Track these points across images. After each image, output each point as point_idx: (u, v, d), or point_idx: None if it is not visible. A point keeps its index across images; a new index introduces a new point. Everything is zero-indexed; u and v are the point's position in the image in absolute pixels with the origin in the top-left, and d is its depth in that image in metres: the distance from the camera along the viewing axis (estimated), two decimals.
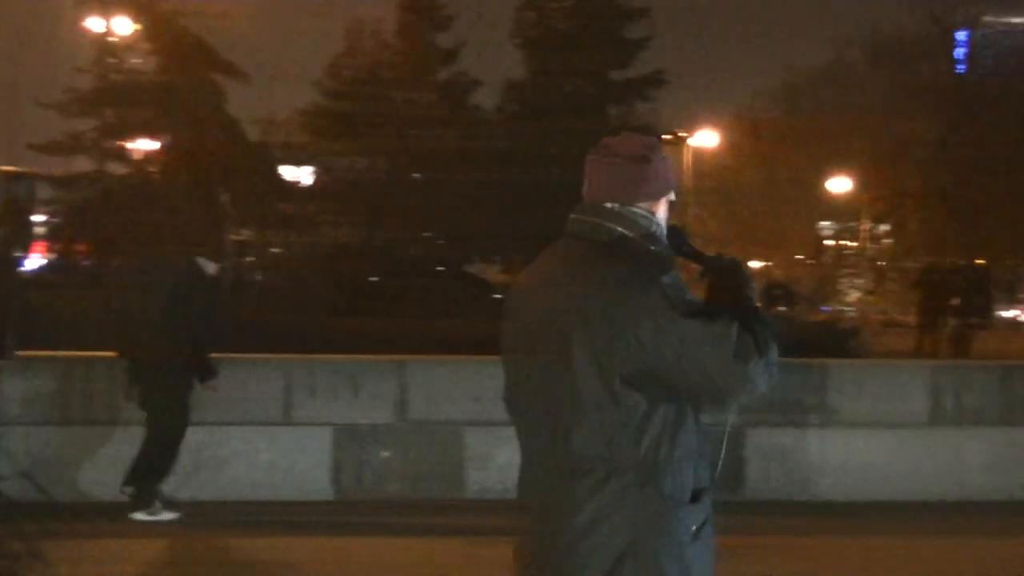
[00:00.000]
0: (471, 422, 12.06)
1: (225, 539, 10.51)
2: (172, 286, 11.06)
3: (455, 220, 29.76)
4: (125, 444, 11.37)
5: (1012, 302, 54.89)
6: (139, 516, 10.82)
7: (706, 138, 54.94)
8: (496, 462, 11.86)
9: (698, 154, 56.45)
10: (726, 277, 4.03)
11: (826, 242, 69.80)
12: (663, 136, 33.65)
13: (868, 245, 61.29)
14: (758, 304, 4.01)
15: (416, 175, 31.04)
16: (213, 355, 11.12)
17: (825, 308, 62.66)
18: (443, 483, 12.15)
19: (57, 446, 11.79)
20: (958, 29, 58.29)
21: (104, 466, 11.67)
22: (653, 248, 3.99)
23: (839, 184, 58.06)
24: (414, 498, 11.95)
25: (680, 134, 37.17)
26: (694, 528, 3.88)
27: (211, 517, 11.10)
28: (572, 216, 4.11)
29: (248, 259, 36.34)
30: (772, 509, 12.07)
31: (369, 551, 10.00)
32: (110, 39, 33.99)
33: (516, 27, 32.56)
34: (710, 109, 62.62)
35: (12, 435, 11.56)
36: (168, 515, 10.87)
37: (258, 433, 12.03)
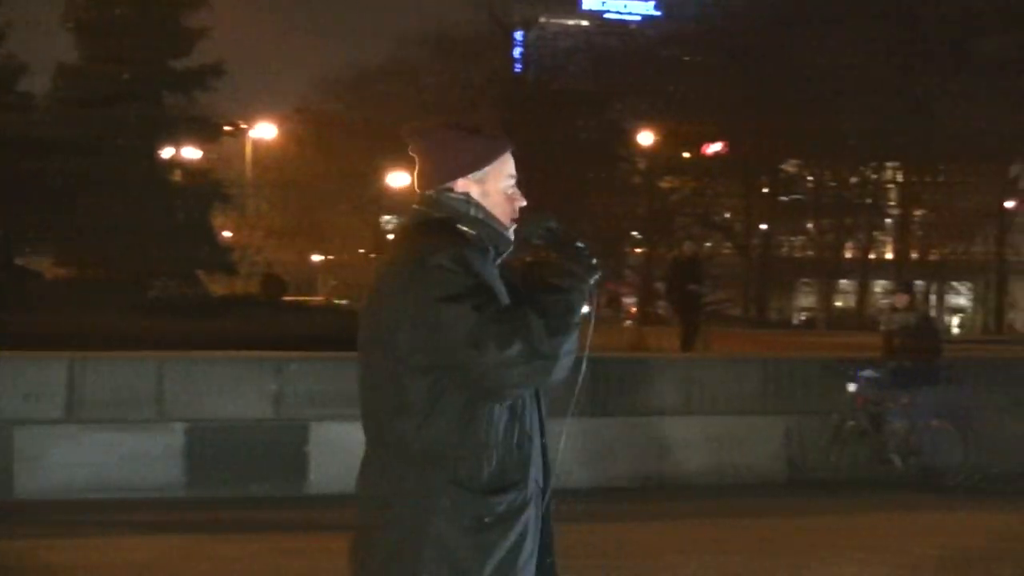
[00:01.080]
0: (21, 420, 11.61)
1: None
2: None
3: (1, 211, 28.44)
4: None
5: None
6: None
7: (266, 130, 54.62)
8: (48, 462, 11.53)
9: (259, 146, 56.09)
10: (565, 263, 3.86)
11: (390, 236, 70.53)
12: (224, 128, 33.25)
13: None
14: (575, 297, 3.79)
15: None
16: None
17: None
18: None
19: None
20: (516, 29, 60.02)
21: None
22: (469, 233, 3.88)
23: (400, 178, 58.71)
24: None
25: (241, 125, 36.75)
26: (485, 519, 3.75)
27: None
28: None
29: None
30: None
31: None
32: None
33: (68, 10, 31.42)
34: (272, 101, 62.43)
35: None
36: None
37: None
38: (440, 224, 3.91)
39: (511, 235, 3.99)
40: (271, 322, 19.56)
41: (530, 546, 3.86)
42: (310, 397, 12.55)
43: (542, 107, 51.92)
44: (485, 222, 3.95)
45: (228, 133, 34.66)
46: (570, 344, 3.72)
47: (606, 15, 73.83)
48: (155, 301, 25.61)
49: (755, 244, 51.05)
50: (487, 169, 3.99)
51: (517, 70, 58.09)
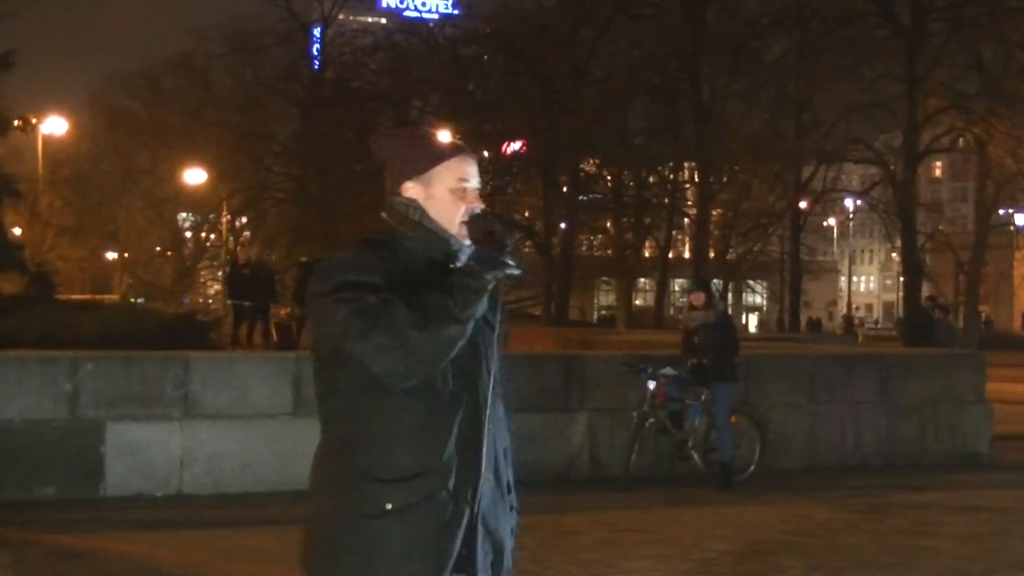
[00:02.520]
0: None
1: None
2: None
3: None
4: None
5: None
6: None
7: (58, 124, 53.34)
8: None
9: (50, 141, 54.76)
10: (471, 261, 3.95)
11: (187, 234, 69.60)
12: (14, 122, 32.37)
13: (229, 237, 61.49)
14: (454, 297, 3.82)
15: None
16: None
17: (185, 300, 62.63)
18: None
19: None
20: (315, 25, 59.65)
21: None
22: (409, 238, 4.00)
23: (196, 176, 57.88)
24: None
25: (32, 120, 35.77)
26: (389, 506, 3.80)
27: None
28: None
29: None
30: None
31: None
32: None
33: None
34: (65, 94, 61.11)
35: None
36: None
37: None
38: (382, 235, 4.03)
39: (455, 238, 4.05)
40: (63, 322, 19.03)
41: (435, 537, 3.87)
42: (106, 397, 12.30)
43: (340, 105, 51.66)
44: (421, 224, 4.03)
45: (17, 128, 33.76)
46: (441, 338, 3.78)
47: (404, 12, 73.82)
48: None
49: (555, 243, 51.39)
50: (432, 172, 4.06)
51: (315, 67, 57.70)
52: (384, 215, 4.08)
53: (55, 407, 12.13)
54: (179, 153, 57.19)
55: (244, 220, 63.03)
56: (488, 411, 4.00)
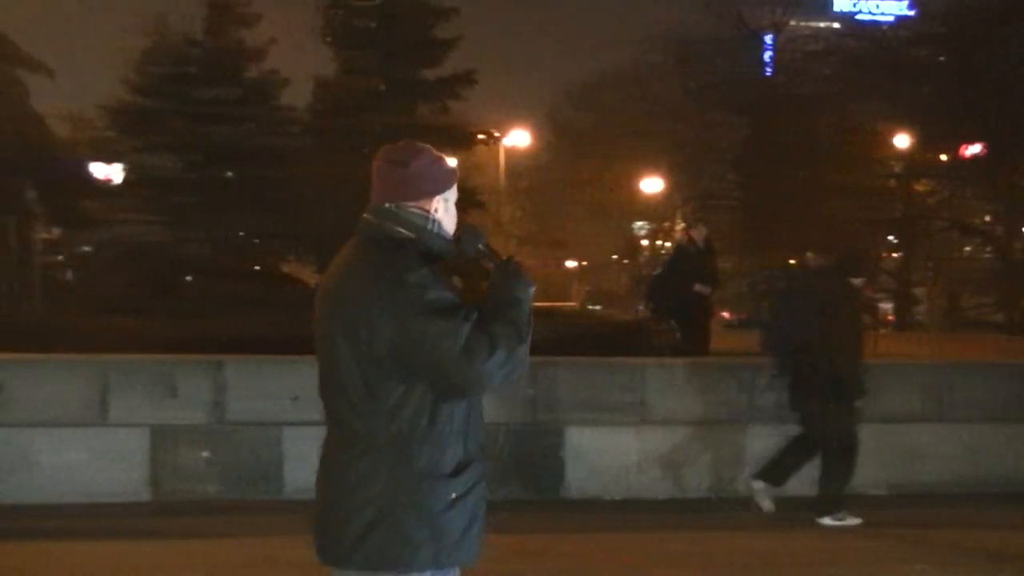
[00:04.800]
0: (289, 422, 12.00)
1: (35, 544, 10.28)
2: None
3: (268, 219, 29.52)
4: None
5: None
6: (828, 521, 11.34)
7: (519, 138, 55.32)
8: (313, 462, 11.85)
9: (511, 154, 56.79)
10: (502, 278, 4.48)
11: (643, 242, 70.52)
12: (477, 136, 33.85)
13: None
14: (525, 305, 4.44)
15: (228, 174, 30.72)
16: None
17: (639, 307, 63.40)
18: (261, 484, 12.08)
19: None
20: (765, 32, 59.38)
21: None
22: (421, 245, 4.45)
23: (652, 184, 58.79)
24: (231, 499, 11.85)
25: (495, 134, 37.30)
26: (452, 496, 4.39)
27: (23, 521, 10.89)
28: (362, 216, 4.58)
29: (58, 258, 35.74)
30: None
31: (185, 554, 9.89)
32: None
33: (326, 25, 32.42)
34: (523, 109, 63.16)
35: None
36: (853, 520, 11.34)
37: (73, 434, 11.82)
38: (402, 242, 4.45)
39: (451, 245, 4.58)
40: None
41: (483, 512, 4.56)
42: (563, 402, 12.74)
43: (786, 111, 51.22)
44: (439, 235, 4.52)
45: (480, 141, 35.22)
46: (527, 349, 4.40)
47: (858, 16, 72.54)
48: None
49: (1017, 248, 49.29)
50: (451, 190, 4.60)
51: (765, 74, 57.45)
52: (381, 221, 4.51)
53: (513, 412, 12.63)
54: (625, 163, 58.10)
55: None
56: None
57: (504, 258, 4.58)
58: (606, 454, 12.77)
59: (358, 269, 4.44)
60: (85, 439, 11.82)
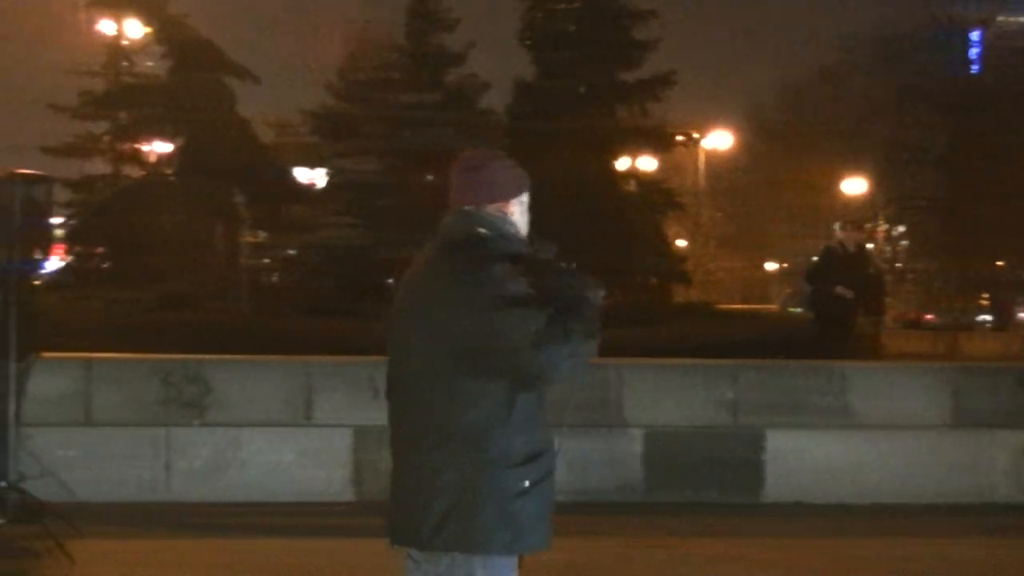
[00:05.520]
0: None
1: (246, 541, 10.54)
2: None
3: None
4: (146, 445, 11.61)
5: None
6: None
7: (719, 139, 54.99)
8: None
9: (710, 155, 56.47)
10: (572, 279, 4.69)
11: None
12: (676, 138, 33.72)
13: (884, 248, 60.96)
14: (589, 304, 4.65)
15: (428, 177, 31.06)
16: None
17: None
18: None
19: (81, 446, 11.88)
20: (972, 28, 58.10)
21: (127, 467, 11.81)
22: (501, 243, 4.70)
23: (854, 185, 57.88)
24: None
25: (694, 135, 37.12)
26: (527, 484, 4.57)
27: (231, 519, 11.16)
28: (442, 219, 4.88)
29: (264, 261, 36.55)
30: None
31: (387, 554, 10.00)
32: (122, 42, 34.15)
33: (525, 28, 32.58)
34: (721, 110, 62.59)
35: (36, 436, 11.63)
36: None
37: (278, 434, 12.08)
38: (482, 240, 4.69)
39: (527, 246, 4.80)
40: (721, 330, 19.64)
41: (553, 499, 4.72)
42: (764, 405, 12.67)
43: (994, 109, 50.00)
44: (515, 235, 4.79)
45: (680, 143, 35.10)
46: (594, 346, 4.63)
47: None
48: (607, 310, 26.11)
49: None
50: (523, 194, 4.91)
51: (972, 71, 56.22)
52: (465, 221, 4.77)
53: (717, 414, 12.61)
54: (827, 163, 57.29)
55: (901, 229, 62.26)
56: None
57: (566, 265, 4.76)
58: (808, 458, 12.64)
59: (438, 267, 4.72)
60: (291, 439, 12.08)
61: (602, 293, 4.70)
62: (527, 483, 4.57)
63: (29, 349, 10.92)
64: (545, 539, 4.69)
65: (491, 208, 4.77)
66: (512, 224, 4.81)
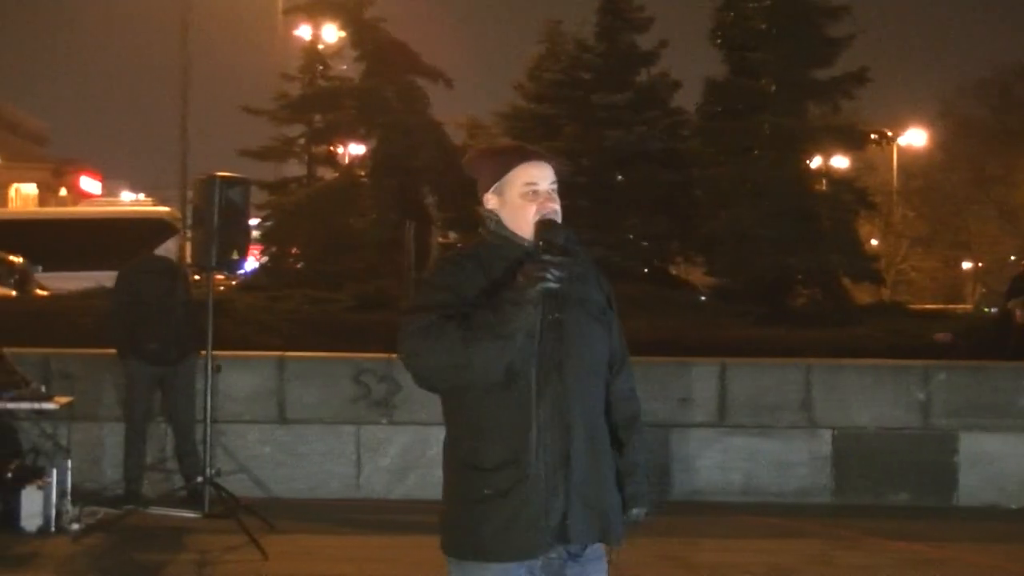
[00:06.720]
0: (677, 424, 12.13)
1: (433, 538, 10.63)
2: None
3: (658, 222, 29.80)
4: (337, 442, 11.86)
5: None
6: None
7: (914, 136, 54.06)
8: (699, 465, 12.07)
9: (904, 153, 55.56)
10: (523, 272, 4.25)
11: None
12: (870, 136, 33.16)
13: None
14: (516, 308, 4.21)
15: (619, 177, 31.07)
16: None
17: None
18: None
19: (274, 443, 12.16)
20: None
21: (318, 464, 12.06)
22: (489, 238, 4.49)
23: None
24: None
25: (888, 133, 36.45)
26: (486, 491, 4.31)
27: (418, 516, 11.29)
28: None
29: None
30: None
31: None
32: (318, 46, 34.72)
33: (716, 27, 32.40)
34: (915, 107, 61.59)
35: (230, 432, 11.94)
36: None
37: None
38: (466, 247, 4.62)
39: (528, 241, 4.41)
40: (912, 331, 19.28)
41: (533, 513, 4.29)
42: (958, 407, 12.47)
43: None
44: (497, 232, 4.48)
45: (873, 141, 34.55)
46: (489, 352, 4.18)
47: None
48: (797, 310, 25.84)
49: None
50: (503, 181, 4.49)
51: None
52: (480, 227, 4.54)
53: (907, 415, 12.44)
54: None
55: None
56: (578, 391, 4.35)
57: (565, 257, 4.29)
58: (1004, 460, 12.41)
59: None
60: None
61: (535, 293, 4.17)
62: (487, 491, 4.31)
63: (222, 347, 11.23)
64: (509, 555, 4.33)
65: (484, 205, 4.56)
66: (492, 220, 4.52)
